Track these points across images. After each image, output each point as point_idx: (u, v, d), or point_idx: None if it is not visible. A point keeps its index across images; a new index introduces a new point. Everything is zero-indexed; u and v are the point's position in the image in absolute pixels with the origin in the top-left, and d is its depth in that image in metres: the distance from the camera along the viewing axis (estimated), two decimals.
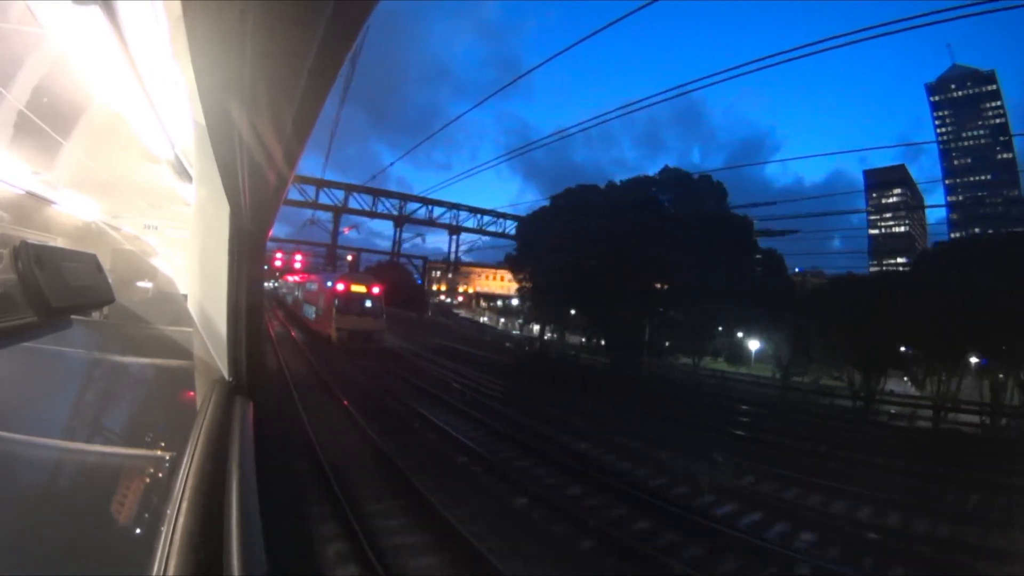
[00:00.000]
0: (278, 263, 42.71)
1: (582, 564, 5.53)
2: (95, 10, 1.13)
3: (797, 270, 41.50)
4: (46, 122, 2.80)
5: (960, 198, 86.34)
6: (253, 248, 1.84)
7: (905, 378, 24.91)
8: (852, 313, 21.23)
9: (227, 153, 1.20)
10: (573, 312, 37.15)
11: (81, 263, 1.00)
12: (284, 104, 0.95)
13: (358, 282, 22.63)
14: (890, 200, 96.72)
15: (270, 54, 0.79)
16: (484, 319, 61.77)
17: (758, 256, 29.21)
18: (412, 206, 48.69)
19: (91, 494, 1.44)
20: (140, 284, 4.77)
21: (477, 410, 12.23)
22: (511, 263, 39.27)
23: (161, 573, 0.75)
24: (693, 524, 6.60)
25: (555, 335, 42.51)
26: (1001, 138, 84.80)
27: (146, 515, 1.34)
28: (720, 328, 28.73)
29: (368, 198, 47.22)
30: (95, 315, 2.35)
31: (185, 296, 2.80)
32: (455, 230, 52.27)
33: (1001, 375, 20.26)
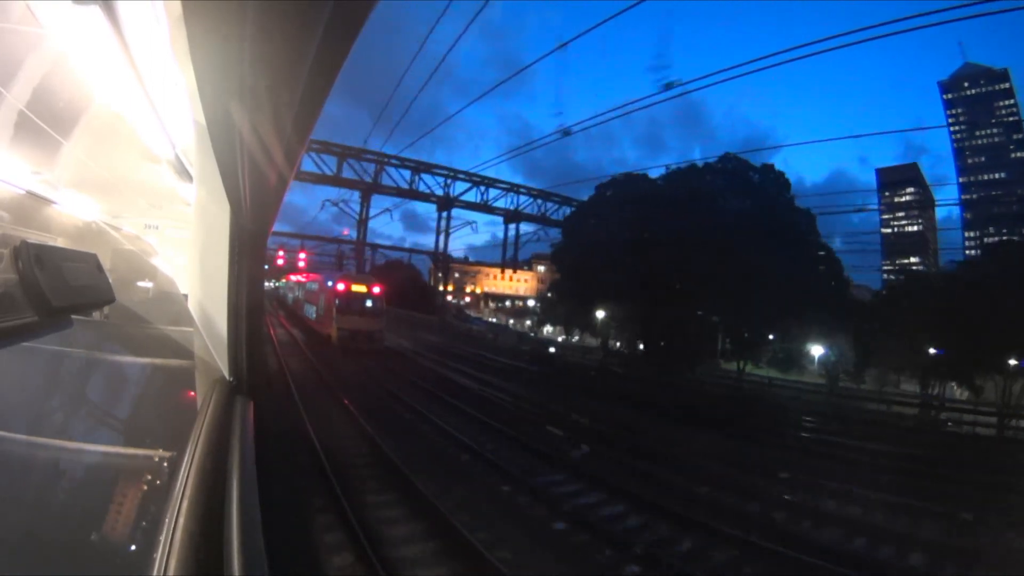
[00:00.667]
0: (280, 262, 39.91)
1: None
2: (95, 10, 1.13)
3: None
4: (46, 122, 2.80)
5: (974, 196, 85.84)
6: (254, 248, 1.84)
7: (953, 384, 23.69)
8: (932, 315, 19.65)
9: (227, 153, 1.20)
10: (601, 314, 35.27)
11: (82, 263, 1.00)
12: (284, 104, 0.95)
13: (359, 282, 22.62)
14: (903, 199, 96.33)
15: (270, 54, 0.79)
16: (492, 320, 60.53)
17: (821, 253, 26.17)
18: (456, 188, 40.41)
19: (91, 494, 1.44)
20: (141, 284, 4.77)
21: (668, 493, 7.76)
22: (556, 258, 34.94)
23: (161, 573, 0.75)
24: None
25: (574, 338, 40.82)
26: (1015, 136, 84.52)
27: (146, 514, 1.34)
28: (776, 333, 26.23)
29: (398, 176, 38.16)
30: (96, 315, 2.35)
31: (185, 296, 2.80)
32: (513, 217, 44.01)
33: None
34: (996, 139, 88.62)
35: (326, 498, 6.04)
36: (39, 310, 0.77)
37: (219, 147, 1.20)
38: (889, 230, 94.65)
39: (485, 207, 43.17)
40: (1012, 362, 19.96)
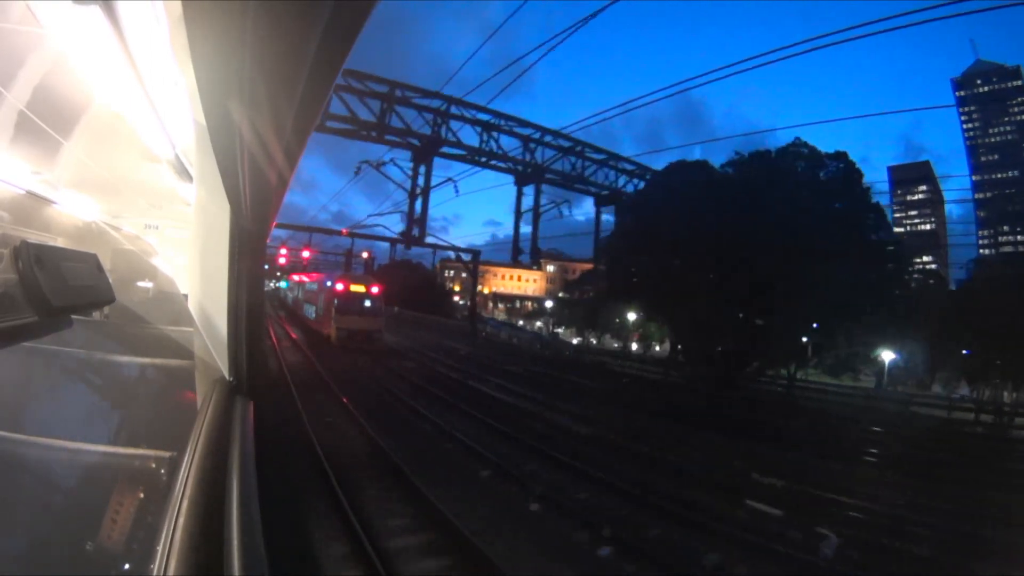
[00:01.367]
0: (282, 260, 37.35)
1: None
2: (95, 10, 1.13)
3: None
4: (46, 122, 2.80)
5: (988, 195, 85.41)
6: (254, 247, 1.84)
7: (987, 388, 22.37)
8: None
9: (227, 153, 1.20)
10: (632, 316, 33.02)
11: (81, 263, 1.00)
12: (285, 104, 0.95)
13: (357, 282, 22.96)
14: (915, 197, 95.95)
15: (270, 53, 0.79)
16: (509, 322, 58.26)
17: (890, 248, 23.18)
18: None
19: (91, 494, 1.44)
20: (140, 284, 4.77)
21: None
22: (607, 254, 30.90)
23: (161, 573, 0.75)
24: None
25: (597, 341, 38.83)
26: None
27: (146, 515, 1.34)
28: (842, 337, 23.28)
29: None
30: (95, 315, 2.35)
31: (185, 296, 2.80)
32: (608, 199, 34.71)
33: None
34: (1010, 136, 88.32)
35: None
36: (39, 310, 0.77)
37: (219, 147, 1.20)
38: (902, 229, 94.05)
39: (584, 182, 33.51)
40: None
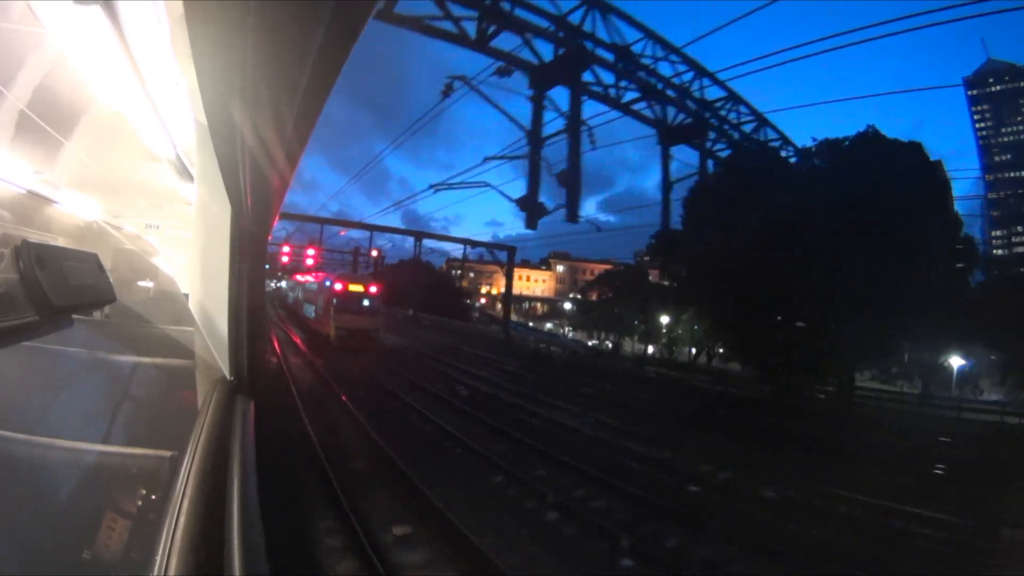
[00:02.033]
0: (285, 259, 34.93)
1: None
2: (96, 10, 1.13)
3: None
4: (47, 122, 2.80)
5: (1002, 195, 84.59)
6: (254, 248, 1.84)
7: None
8: None
9: (229, 153, 1.20)
10: (665, 319, 31.65)
11: (82, 262, 1.00)
12: (286, 104, 0.95)
13: (356, 282, 23.29)
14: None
15: (272, 54, 0.79)
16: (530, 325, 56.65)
17: (959, 246, 21.06)
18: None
19: (92, 493, 1.44)
20: (141, 283, 4.78)
21: None
22: (661, 250, 27.79)
23: (162, 572, 0.75)
24: None
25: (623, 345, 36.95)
26: None
27: (147, 514, 1.34)
28: (909, 343, 20.89)
29: None
30: (96, 314, 2.35)
31: (186, 295, 2.80)
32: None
33: None
34: (1022, 136, 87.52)
35: None
36: (40, 309, 0.77)
37: (220, 147, 1.20)
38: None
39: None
40: None
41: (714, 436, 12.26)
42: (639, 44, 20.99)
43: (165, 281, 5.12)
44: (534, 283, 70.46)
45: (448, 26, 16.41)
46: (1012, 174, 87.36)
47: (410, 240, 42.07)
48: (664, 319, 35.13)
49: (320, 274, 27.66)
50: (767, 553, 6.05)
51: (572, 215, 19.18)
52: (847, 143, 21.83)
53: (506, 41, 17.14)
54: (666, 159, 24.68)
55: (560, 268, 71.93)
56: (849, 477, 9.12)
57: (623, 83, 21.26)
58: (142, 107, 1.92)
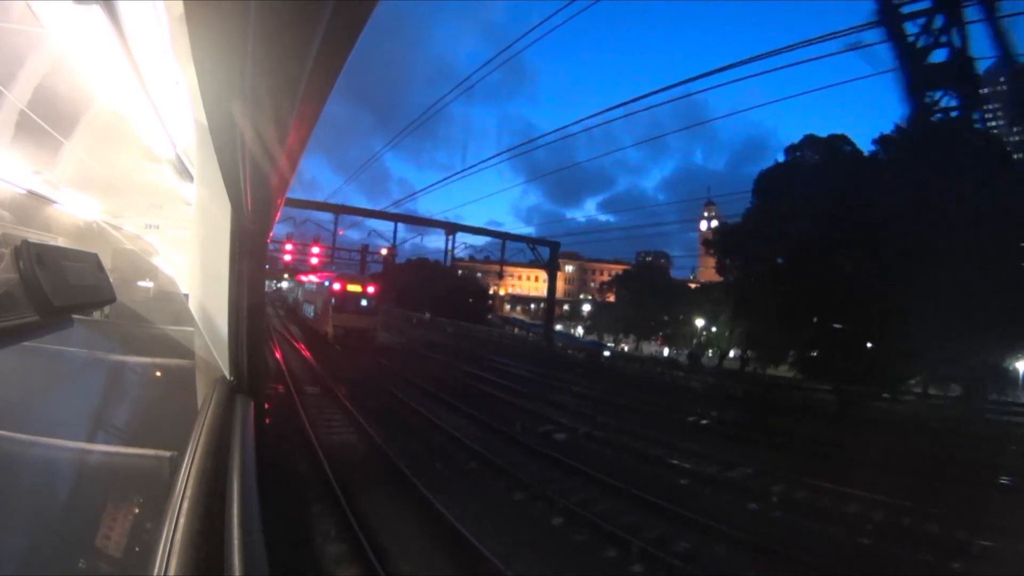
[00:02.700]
0: (288, 258, 32.52)
1: None
2: (96, 10, 1.13)
3: None
4: (47, 122, 2.80)
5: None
6: (254, 248, 1.84)
7: None
8: None
9: (229, 153, 1.20)
10: (700, 322, 30.28)
11: (82, 262, 1.00)
12: (286, 104, 0.95)
13: (354, 282, 23.75)
14: None
15: (272, 54, 0.79)
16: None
17: None
18: None
19: (92, 493, 1.44)
20: (141, 283, 4.78)
21: None
22: (724, 243, 25.88)
23: (162, 572, 0.75)
24: None
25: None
26: None
27: (147, 514, 1.34)
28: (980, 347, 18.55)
29: None
30: (96, 314, 2.36)
31: (186, 295, 2.80)
32: None
33: None
34: None
35: None
36: (40, 309, 0.77)
37: (220, 147, 1.20)
38: None
39: None
40: None
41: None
42: None
43: (165, 281, 5.12)
44: (543, 283, 68.61)
45: None
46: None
47: (427, 237, 40.46)
48: (699, 321, 33.06)
49: (324, 274, 27.47)
50: None
51: None
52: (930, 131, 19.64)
53: None
54: None
55: (569, 268, 69.77)
56: None
57: None
58: (142, 107, 1.93)
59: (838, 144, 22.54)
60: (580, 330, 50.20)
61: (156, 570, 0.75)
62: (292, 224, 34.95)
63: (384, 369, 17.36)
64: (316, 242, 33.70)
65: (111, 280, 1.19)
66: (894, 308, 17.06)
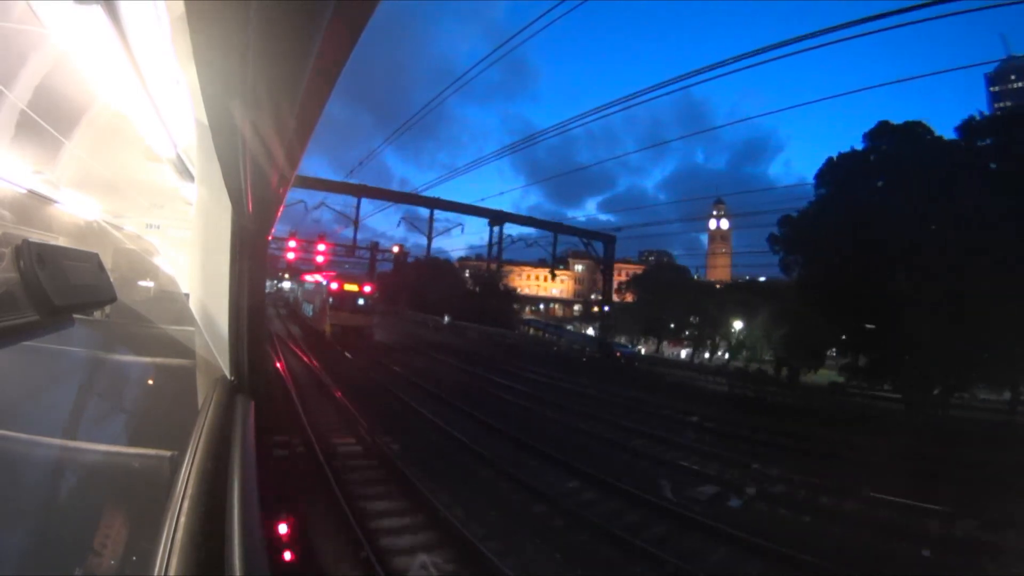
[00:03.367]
0: (291, 255, 28.99)
1: None
2: (96, 10, 1.13)
3: None
4: (48, 121, 2.81)
5: None
6: (255, 247, 1.84)
7: None
8: None
9: (229, 152, 1.20)
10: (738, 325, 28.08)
11: (83, 262, 1.00)
12: (287, 104, 0.95)
13: (352, 282, 24.37)
14: None
15: (273, 53, 0.79)
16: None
17: None
18: None
19: (92, 493, 1.44)
20: (142, 283, 4.78)
21: None
22: (790, 237, 23.96)
23: (162, 572, 0.75)
24: None
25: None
26: None
27: (147, 514, 1.34)
28: None
29: None
30: (97, 314, 2.35)
31: (187, 295, 2.81)
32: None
33: None
34: None
35: None
36: (41, 309, 0.77)
37: (221, 147, 1.20)
38: None
39: None
40: None
41: None
42: None
43: (166, 281, 5.12)
44: (551, 283, 63.96)
45: None
46: None
47: (439, 236, 35.13)
48: (737, 323, 30.74)
49: (324, 274, 27.13)
50: None
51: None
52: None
53: None
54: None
55: (579, 268, 68.04)
56: None
57: None
58: (143, 107, 1.93)
59: (918, 131, 20.94)
60: (591, 331, 48.90)
61: (156, 570, 0.75)
62: (303, 209, 30.63)
63: (438, 403, 12.78)
64: (322, 238, 30.16)
65: (112, 280, 1.19)
66: (1007, 308, 15.57)
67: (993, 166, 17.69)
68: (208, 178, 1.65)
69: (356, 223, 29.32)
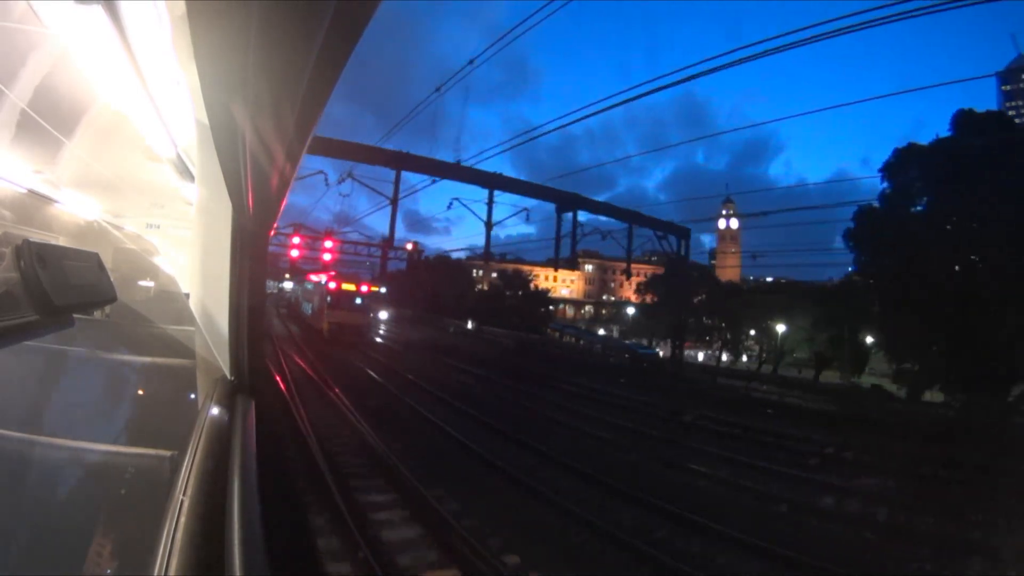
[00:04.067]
0: (295, 253, 26.27)
1: None
2: (97, 9, 1.13)
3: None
4: (48, 121, 2.81)
5: None
6: (255, 247, 1.84)
7: None
8: None
9: (229, 152, 1.20)
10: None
11: (83, 262, 1.00)
12: (287, 104, 0.95)
13: (350, 281, 24.92)
14: None
15: (273, 53, 0.79)
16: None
17: None
18: None
19: (93, 492, 1.44)
20: (142, 283, 4.78)
21: None
22: (866, 235, 21.95)
23: (162, 572, 0.75)
24: None
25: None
26: None
27: (147, 514, 1.34)
28: None
29: None
30: (97, 314, 2.36)
31: (187, 295, 2.80)
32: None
33: None
34: None
35: None
36: (41, 309, 0.77)
37: (221, 147, 1.20)
38: None
39: None
40: None
41: None
42: None
43: (166, 280, 5.12)
44: (561, 284, 62.39)
45: None
46: None
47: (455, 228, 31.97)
48: (780, 327, 29.15)
49: (323, 274, 26.82)
50: None
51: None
52: None
53: None
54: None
55: (589, 267, 66.55)
56: None
57: None
58: (143, 107, 1.92)
59: (1005, 121, 19.34)
60: (602, 331, 47.88)
61: (156, 570, 0.75)
62: (323, 183, 25.18)
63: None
64: (329, 234, 27.58)
65: (112, 279, 1.19)
66: None
67: None
68: (208, 178, 1.65)
69: (395, 201, 20.78)
